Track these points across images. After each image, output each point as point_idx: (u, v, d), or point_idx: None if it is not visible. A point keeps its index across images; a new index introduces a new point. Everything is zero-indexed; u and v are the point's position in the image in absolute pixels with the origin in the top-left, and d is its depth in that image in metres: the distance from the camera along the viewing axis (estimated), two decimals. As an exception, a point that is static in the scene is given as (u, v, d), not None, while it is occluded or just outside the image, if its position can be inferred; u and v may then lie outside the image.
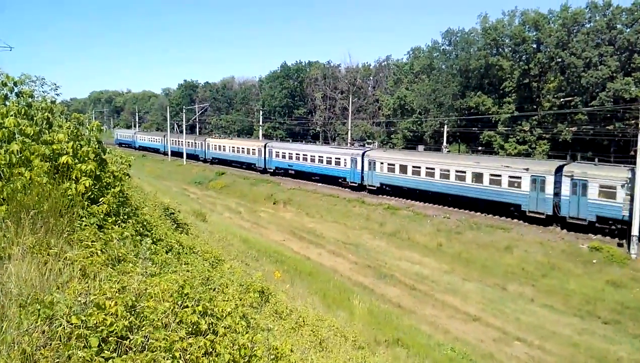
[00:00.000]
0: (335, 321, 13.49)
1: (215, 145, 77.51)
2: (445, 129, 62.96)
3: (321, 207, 46.09)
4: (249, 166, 67.85)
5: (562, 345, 19.32)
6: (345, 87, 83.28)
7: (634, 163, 29.02)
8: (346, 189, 50.55)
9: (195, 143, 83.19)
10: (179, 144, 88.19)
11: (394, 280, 27.43)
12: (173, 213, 17.32)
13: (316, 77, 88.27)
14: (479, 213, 38.27)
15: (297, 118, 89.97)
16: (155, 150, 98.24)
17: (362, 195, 48.03)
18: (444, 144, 62.60)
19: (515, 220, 35.90)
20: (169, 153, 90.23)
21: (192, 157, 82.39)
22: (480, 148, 59.52)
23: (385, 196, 46.48)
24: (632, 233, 27.78)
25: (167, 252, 9.00)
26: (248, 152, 68.27)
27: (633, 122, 38.61)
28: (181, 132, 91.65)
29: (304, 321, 10.91)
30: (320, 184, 54.25)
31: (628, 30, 54.71)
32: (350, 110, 72.03)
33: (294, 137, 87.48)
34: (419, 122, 69.53)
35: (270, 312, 10.16)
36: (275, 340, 6.31)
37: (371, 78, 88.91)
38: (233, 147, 72.77)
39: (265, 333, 5.98)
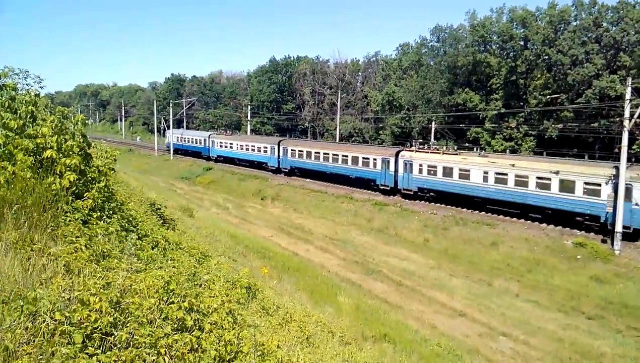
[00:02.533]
0: (322, 317, 13.51)
1: (427, 166, 41.42)
2: (433, 125, 63.32)
3: (309, 203, 46.09)
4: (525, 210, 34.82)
5: (547, 340, 19.57)
6: (334, 83, 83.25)
7: (619, 159, 29.39)
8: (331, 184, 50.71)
9: (370, 160, 46.81)
10: (308, 157, 54.59)
11: (381, 276, 27.53)
12: (159, 209, 17.18)
13: (305, 72, 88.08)
14: (465, 209, 38.87)
15: (285, 113, 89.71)
16: (259, 165, 62.55)
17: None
18: (432, 140, 62.92)
19: (501, 216, 36.60)
20: (286, 171, 58.04)
21: (360, 184, 48.20)
22: (467, 144, 59.91)
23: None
24: (615, 230, 28.23)
25: (152, 248, 8.94)
26: (522, 184, 34.01)
27: (618, 119, 39.14)
28: (168, 127, 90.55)
29: (291, 317, 10.91)
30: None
31: (614, 28, 55.35)
32: (339, 106, 72.08)
33: (282, 132, 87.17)
34: (407, 118, 69.85)
35: (257, 308, 10.13)
36: (262, 336, 6.31)
37: (360, 74, 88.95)
38: (461, 170, 38.71)
39: (251, 329, 5.98)
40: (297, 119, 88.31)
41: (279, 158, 58.68)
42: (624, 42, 53.69)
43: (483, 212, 37.91)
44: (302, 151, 55.78)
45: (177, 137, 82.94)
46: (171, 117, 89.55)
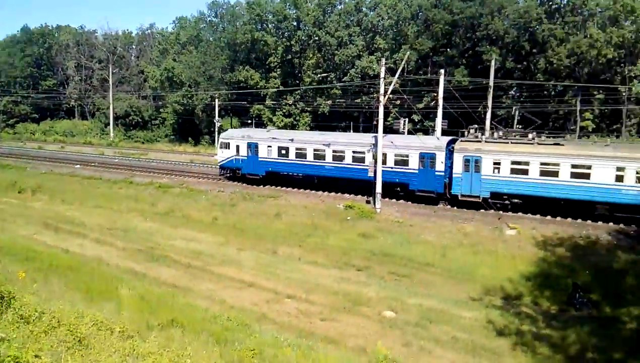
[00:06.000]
0: (99, 315, 12.39)
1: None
2: (217, 102, 63.08)
3: (80, 191, 41.33)
4: None
5: (325, 294, 21.56)
6: (104, 56, 75.69)
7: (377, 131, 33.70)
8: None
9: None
10: None
11: (168, 261, 26.49)
12: None
13: (67, 44, 77.76)
14: (251, 186, 39.88)
15: (45, 91, 77.94)
16: None
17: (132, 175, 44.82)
18: (216, 118, 62.73)
19: (284, 187, 38.91)
20: None
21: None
22: (249, 121, 61.53)
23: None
24: (376, 191, 32.62)
25: None
26: None
27: (375, 95, 44.85)
28: None
29: (58, 321, 9.95)
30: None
31: (371, 13, 62.79)
32: (111, 82, 65.85)
33: (43, 113, 75.76)
34: (189, 95, 67.96)
35: (13, 318, 9.14)
36: (13, 350, 5.63)
37: (134, 47, 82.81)
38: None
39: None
40: (61, 97, 77.73)
41: None
42: (379, 26, 61.50)
43: (268, 186, 39.63)
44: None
45: (294, 151, 38.27)
46: None
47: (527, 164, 29.19)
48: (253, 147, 39.80)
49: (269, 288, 22.15)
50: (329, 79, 62.14)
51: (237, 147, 40.46)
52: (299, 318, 18.97)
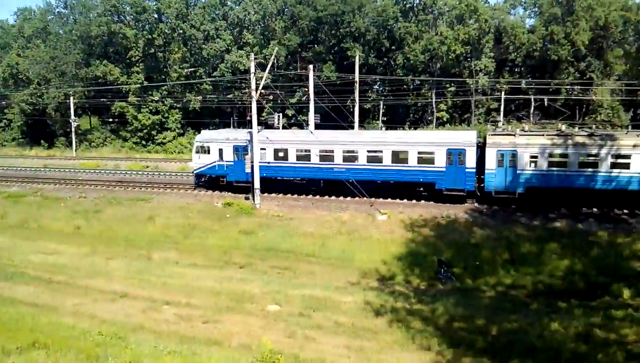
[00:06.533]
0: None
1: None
2: (72, 100, 57.67)
3: None
4: None
5: (207, 296, 20.82)
6: None
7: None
8: None
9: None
10: None
11: (25, 278, 23.57)
12: None
13: None
14: (117, 188, 37.13)
15: None
16: None
17: None
18: (72, 117, 57.35)
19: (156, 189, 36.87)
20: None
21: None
22: (111, 120, 57.33)
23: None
24: (254, 187, 32.36)
25: None
26: None
27: (248, 91, 44.40)
28: None
29: None
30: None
31: (237, 7, 61.89)
32: (-62, 80, 56.76)
33: None
34: (39, 94, 61.15)
35: None
36: None
37: (-34, 40, 72.23)
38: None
39: None
40: None
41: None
42: (246, 21, 60.82)
43: (137, 188, 37.35)
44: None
45: (294, 152, 33.91)
46: None
47: (566, 156, 28.29)
48: (241, 150, 34.75)
49: (144, 297, 20.82)
50: (197, 74, 60.12)
51: (220, 151, 35.12)
52: (179, 324, 18.09)
